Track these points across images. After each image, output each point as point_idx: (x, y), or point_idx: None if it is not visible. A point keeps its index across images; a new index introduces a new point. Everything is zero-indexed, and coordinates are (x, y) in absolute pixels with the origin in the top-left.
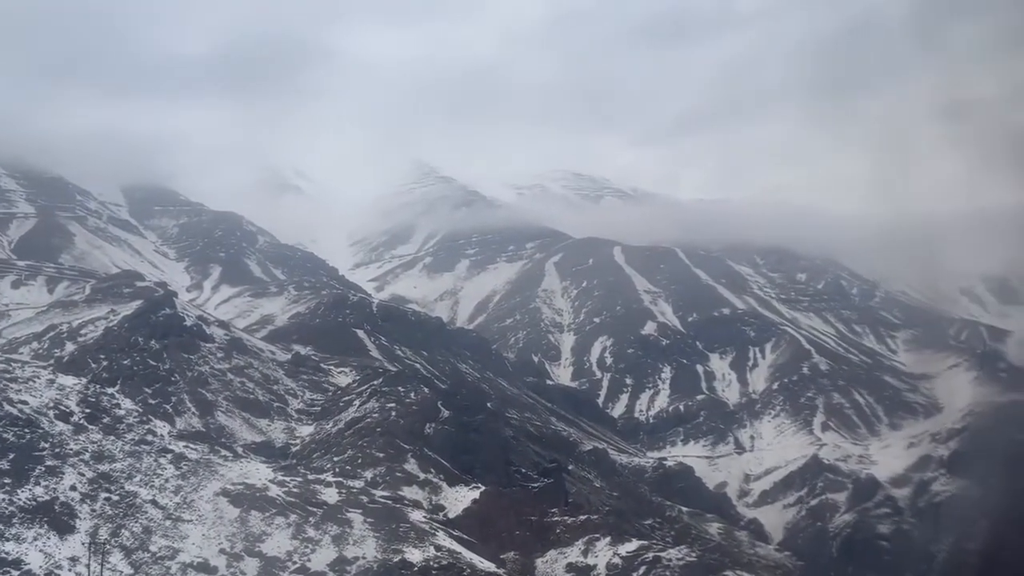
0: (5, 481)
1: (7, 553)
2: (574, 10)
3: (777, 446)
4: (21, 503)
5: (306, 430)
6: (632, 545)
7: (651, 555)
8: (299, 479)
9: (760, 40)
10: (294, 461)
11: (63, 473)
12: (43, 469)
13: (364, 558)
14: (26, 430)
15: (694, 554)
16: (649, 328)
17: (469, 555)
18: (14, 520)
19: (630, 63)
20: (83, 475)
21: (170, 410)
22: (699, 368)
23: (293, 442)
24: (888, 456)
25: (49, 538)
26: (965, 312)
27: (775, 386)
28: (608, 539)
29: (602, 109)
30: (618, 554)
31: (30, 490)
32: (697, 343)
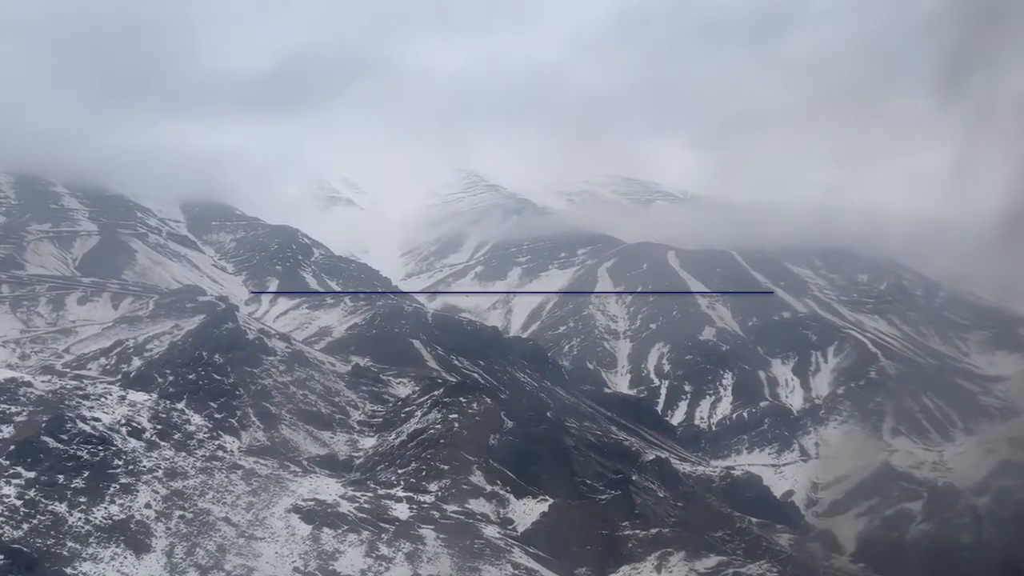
0: (81, 499)
1: (85, 573)
2: (638, 14)
3: (846, 453)
4: (97, 522)
5: (368, 442)
6: (710, 561)
7: (731, 571)
8: (369, 494)
9: (828, 39)
10: (359, 474)
11: (137, 491)
12: (118, 487)
13: None
14: (100, 447)
15: (775, 569)
16: (707, 334)
17: (546, 572)
18: (91, 539)
19: (689, 66)
20: (157, 492)
21: (235, 424)
22: (761, 374)
23: (356, 454)
24: (965, 462)
25: (126, 557)
26: None
27: (840, 391)
28: (683, 554)
29: (658, 113)
30: (695, 570)
31: (105, 508)
32: (758, 348)
